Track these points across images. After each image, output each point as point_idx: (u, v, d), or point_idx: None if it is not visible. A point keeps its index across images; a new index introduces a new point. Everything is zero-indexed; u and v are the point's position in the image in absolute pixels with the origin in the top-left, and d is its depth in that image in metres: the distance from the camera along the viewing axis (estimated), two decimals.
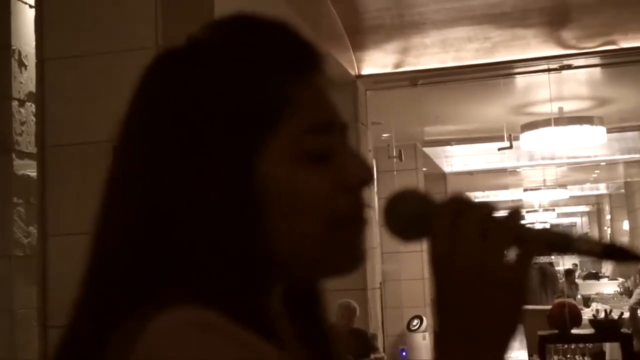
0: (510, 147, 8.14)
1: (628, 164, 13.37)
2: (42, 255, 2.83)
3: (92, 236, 0.74)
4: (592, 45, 6.31)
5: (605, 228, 19.57)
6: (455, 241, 0.69)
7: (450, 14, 6.02)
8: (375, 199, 6.88)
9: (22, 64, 4.08)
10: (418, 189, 0.76)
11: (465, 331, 0.69)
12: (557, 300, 8.71)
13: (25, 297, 3.82)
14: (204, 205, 0.69)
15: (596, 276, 16.63)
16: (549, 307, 8.34)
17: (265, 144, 0.71)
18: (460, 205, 0.71)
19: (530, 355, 8.61)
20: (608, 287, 13.94)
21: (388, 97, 7.29)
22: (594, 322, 7.15)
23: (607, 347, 8.55)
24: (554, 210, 20.15)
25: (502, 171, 12.77)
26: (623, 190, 16.52)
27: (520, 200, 16.97)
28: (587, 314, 8.33)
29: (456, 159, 12.33)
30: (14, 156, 3.96)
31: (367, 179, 0.76)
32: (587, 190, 18.29)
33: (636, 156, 12.75)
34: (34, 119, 3.42)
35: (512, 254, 0.69)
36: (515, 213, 0.71)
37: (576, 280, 14.29)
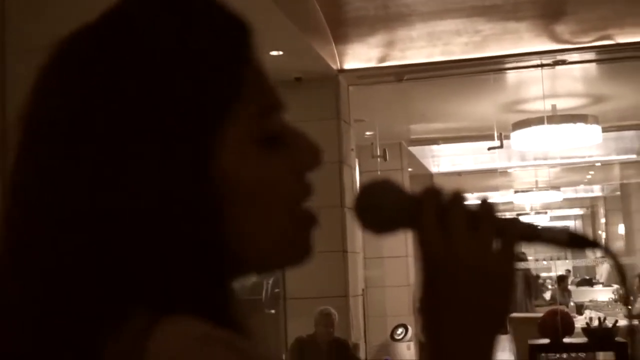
0: (501, 146, 8.18)
1: (624, 164, 13.47)
2: None
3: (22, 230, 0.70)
4: (587, 40, 6.36)
5: (600, 232, 19.73)
6: (447, 233, 0.73)
7: (438, 5, 6.05)
8: None
9: None
10: (391, 179, 0.77)
11: (459, 322, 0.72)
12: (549, 308, 8.77)
13: None
14: (160, 200, 0.66)
15: (590, 282, 16.74)
16: (539, 314, 8.39)
17: (220, 129, 0.70)
18: (443, 198, 0.74)
19: None
20: (602, 294, 14.02)
21: (372, 93, 7.31)
22: (587, 330, 7.19)
23: (601, 356, 8.61)
24: (546, 213, 20.23)
25: (492, 172, 12.81)
26: (619, 193, 16.62)
27: (511, 202, 17.04)
28: (580, 322, 8.38)
29: (444, 159, 12.37)
30: None
31: (318, 162, 0.76)
32: (581, 192, 18.38)
33: (632, 157, 12.86)
34: None
35: (495, 245, 0.74)
36: (489, 204, 0.75)
37: (569, 286, 14.38)
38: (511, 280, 0.74)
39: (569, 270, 18.43)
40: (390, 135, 9.24)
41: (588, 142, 8.39)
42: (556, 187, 14.85)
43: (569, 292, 13.17)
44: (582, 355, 7.42)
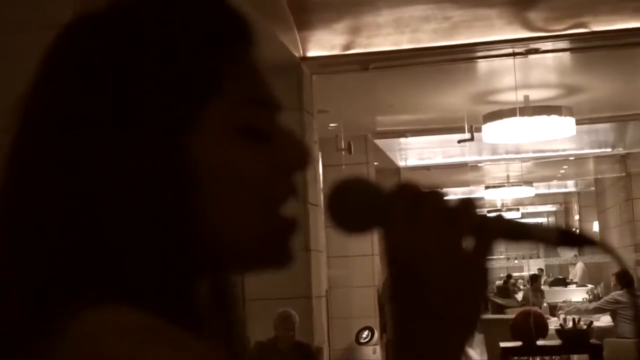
0: (472, 139, 8.24)
1: (599, 159, 13.64)
2: None
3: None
4: (560, 28, 6.41)
5: (573, 229, 19.95)
6: (416, 229, 0.73)
7: None
8: (320, 196, 6.90)
9: None
10: (365, 177, 0.78)
11: (429, 321, 0.73)
12: (521, 309, 8.85)
13: None
14: (127, 183, 0.69)
15: (564, 282, 16.94)
16: (511, 316, 8.47)
17: (198, 116, 0.72)
18: (417, 193, 0.75)
19: None
20: (576, 294, 14.19)
21: (336, 82, 7.30)
22: (561, 332, 7.29)
23: (575, 359, 8.72)
24: (518, 209, 20.44)
25: (462, 166, 12.90)
26: (593, 188, 16.82)
27: (482, 198, 17.17)
28: (553, 323, 8.48)
29: (411, 152, 12.42)
30: None
31: (304, 163, 0.78)
32: (554, 187, 18.58)
33: (607, 150, 13.03)
34: None
35: (470, 243, 0.75)
36: (469, 201, 0.76)
37: (542, 286, 14.53)
38: (484, 279, 0.75)
39: (541, 269, 18.64)
40: (356, 127, 9.26)
41: (562, 134, 8.46)
42: (528, 183, 14.99)
43: (541, 292, 13.31)
44: (556, 358, 7.51)
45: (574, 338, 7.15)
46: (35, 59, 0.77)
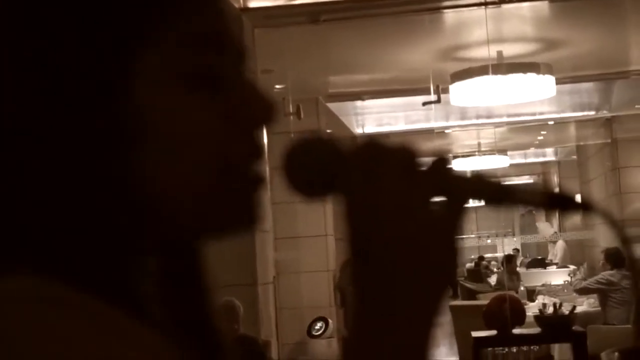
0: (438, 101, 8.26)
1: (581, 123, 13.77)
2: None
3: None
4: None
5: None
6: (377, 189, 0.74)
7: None
8: (266, 169, 6.86)
9: None
10: (324, 134, 0.80)
11: (395, 296, 0.74)
12: (495, 294, 8.94)
13: None
14: (55, 141, 0.69)
15: (542, 263, 17.16)
16: (484, 302, 8.55)
17: (135, 64, 0.71)
18: (379, 150, 0.75)
19: None
20: (557, 276, 14.38)
21: (282, 37, 7.28)
22: (540, 319, 7.36)
23: (557, 348, 8.84)
24: None
25: (427, 133, 12.97)
26: (575, 157, 17.04)
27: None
28: (532, 309, 8.58)
29: (370, 117, 12.47)
30: None
31: (269, 117, 0.77)
32: (532, 156, 18.80)
33: (591, 113, 13.15)
34: None
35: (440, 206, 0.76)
36: (441, 159, 0.76)
37: (517, 268, 14.70)
38: (451, 240, 0.75)
39: (517, 249, 18.88)
40: (305, 89, 9.25)
41: (540, 95, 8.53)
42: (502, 151, 15.14)
43: (517, 274, 13.46)
44: (535, 348, 7.59)
45: (554, 325, 7.22)
46: None
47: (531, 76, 8.09)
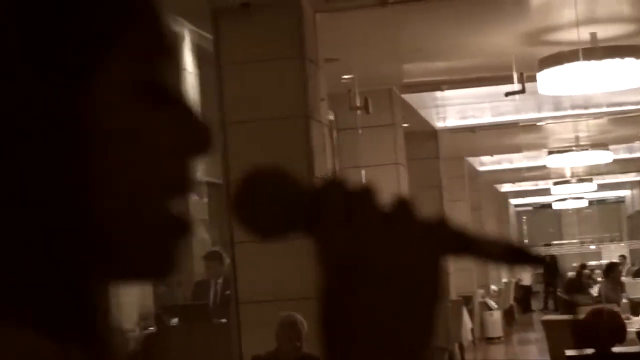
0: (522, 91, 8.21)
1: None
2: None
3: None
4: None
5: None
6: (356, 232, 0.78)
7: None
8: (336, 168, 6.90)
9: None
10: (278, 168, 0.80)
11: (372, 339, 0.78)
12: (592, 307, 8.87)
13: None
14: (7, 154, 0.71)
15: None
16: (581, 316, 8.48)
17: (91, 77, 0.74)
18: (347, 193, 0.79)
19: None
20: None
21: (347, 22, 7.28)
22: None
23: None
24: (591, 180, 20.31)
25: (514, 126, 12.82)
26: None
27: (544, 166, 17.09)
28: (634, 324, 8.51)
29: (451, 110, 12.36)
30: None
31: (203, 148, 0.80)
32: (638, 151, 18.50)
33: None
34: None
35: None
36: (406, 202, 0.80)
37: (622, 278, 14.46)
38: (436, 291, 0.79)
39: (623, 256, 18.55)
40: (376, 79, 9.22)
41: None
42: (603, 145, 14.89)
43: (621, 285, 13.23)
44: None
45: None
46: None
47: (629, 61, 8.00)
